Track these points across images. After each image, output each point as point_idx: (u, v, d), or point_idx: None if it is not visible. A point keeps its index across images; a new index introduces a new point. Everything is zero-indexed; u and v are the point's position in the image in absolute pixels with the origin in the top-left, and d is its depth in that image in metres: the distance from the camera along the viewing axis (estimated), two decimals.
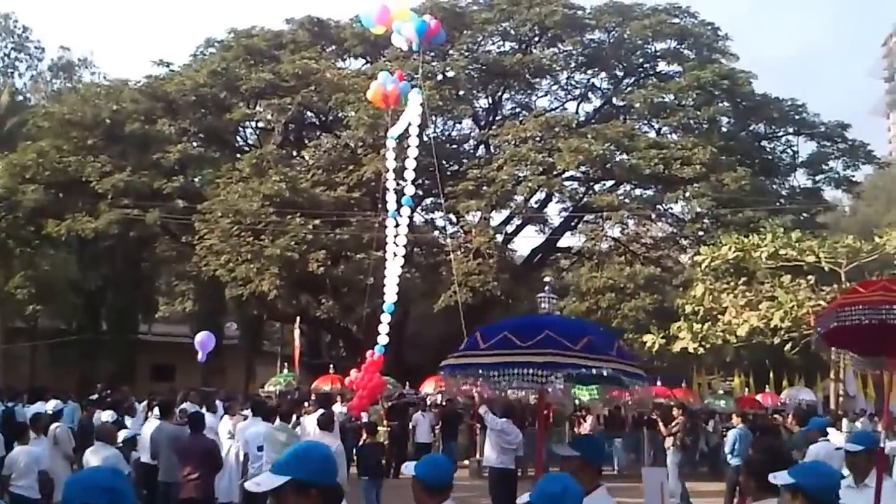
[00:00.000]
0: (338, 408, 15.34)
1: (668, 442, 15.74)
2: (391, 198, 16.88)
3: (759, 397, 23.24)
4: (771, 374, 27.88)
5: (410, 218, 18.11)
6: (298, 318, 23.75)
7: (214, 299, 30.85)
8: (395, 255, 16.70)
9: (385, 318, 16.77)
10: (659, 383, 22.51)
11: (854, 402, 25.97)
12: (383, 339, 16.63)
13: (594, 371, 4.89)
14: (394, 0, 16.03)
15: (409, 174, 16.83)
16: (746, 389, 28.25)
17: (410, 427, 18.93)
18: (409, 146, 16.82)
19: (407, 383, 22.64)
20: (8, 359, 31.75)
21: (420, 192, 24.29)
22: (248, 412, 12.13)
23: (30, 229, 28.11)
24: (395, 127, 16.93)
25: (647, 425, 20.60)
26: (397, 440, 18.49)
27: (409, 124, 16.62)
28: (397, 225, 16.72)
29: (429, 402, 21.92)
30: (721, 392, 27.09)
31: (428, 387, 21.93)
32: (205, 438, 9.66)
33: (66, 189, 27.86)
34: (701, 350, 19.59)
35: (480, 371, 4.99)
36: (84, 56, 51.15)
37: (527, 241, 33.33)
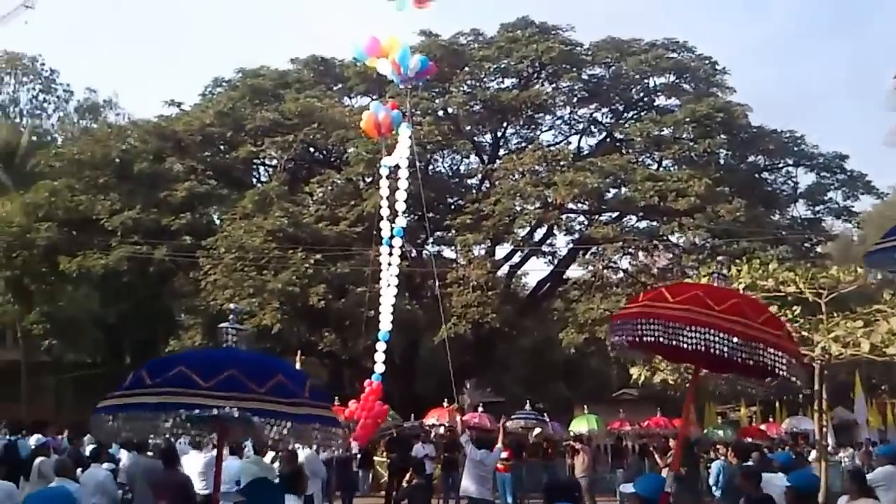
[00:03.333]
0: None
1: (665, 472, 15.65)
2: (385, 225, 17.32)
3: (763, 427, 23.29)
4: (777, 404, 27.96)
5: (402, 248, 18.46)
6: (300, 352, 24.20)
7: None
8: (389, 284, 17.06)
9: (380, 346, 16.97)
10: (658, 414, 22.82)
11: (859, 431, 25.95)
12: (380, 368, 16.80)
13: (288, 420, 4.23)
14: (385, 30, 16.58)
15: (401, 205, 17.26)
16: (752, 420, 28.37)
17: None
18: (399, 178, 17.28)
19: (413, 414, 22.81)
20: (33, 392, 32.64)
21: (425, 225, 24.72)
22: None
23: (45, 267, 28.89)
24: (389, 157, 17.42)
25: (650, 456, 20.69)
26: (397, 472, 18.62)
27: (400, 157, 17.03)
28: (391, 253, 17.10)
29: (433, 434, 22.12)
30: (721, 421, 27.23)
31: (432, 418, 22.18)
32: (178, 473, 9.66)
33: (78, 227, 28.71)
34: (680, 381, 19.65)
35: (145, 413, 4.24)
36: (109, 97, 52.67)
37: (538, 274, 33.63)
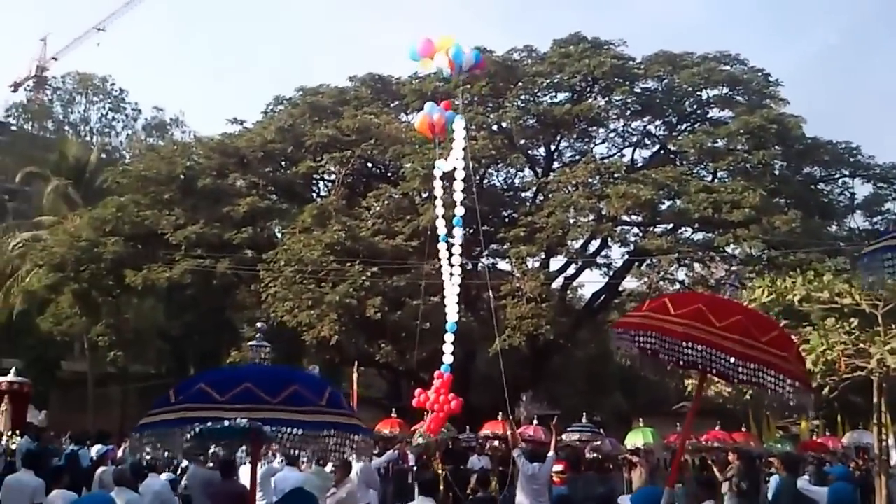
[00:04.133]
0: (389, 454, 15.28)
1: (725, 487, 15.29)
2: (440, 223, 17.16)
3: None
4: (839, 417, 27.55)
5: (462, 247, 17.98)
6: (357, 363, 24.69)
7: (293, 344, 32.21)
8: (452, 274, 16.69)
9: (448, 337, 16.40)
10: (718, 427, 22.65)
11: None
12: (448, 359, 16.27)
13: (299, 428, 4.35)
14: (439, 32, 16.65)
15: (459, 209, 16.97)
16: (814, 433, 27.97)
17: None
18: (454, 189, 17.12)
19: (468, 426, 22.93)
20: (99, 403, 33.83)
21: (480, 238, 25.03)
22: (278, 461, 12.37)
23: (111, 280, 29.89)
24: (444, 161, 17.13)
25: (709, 469, 20.51)
26: (452, 484, 18.65)
27: (456, 159, 16.67)
28: (450, 247, 16.84)
29: (487, 446, 22.21)
30: (781, 435, 26.91)
31: (488, 430, 22.30)
32: (236, 484, 9.73)
33: (143, 241, 29.65)
34: (735, 393, 19.60)
35: (175, 429, 4.39)
36: (176, 115, 54.50)
37: (593, 286, 33.75)
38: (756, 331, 4.72)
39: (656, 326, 4.80)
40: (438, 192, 17.32)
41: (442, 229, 17.01)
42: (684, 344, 4.63)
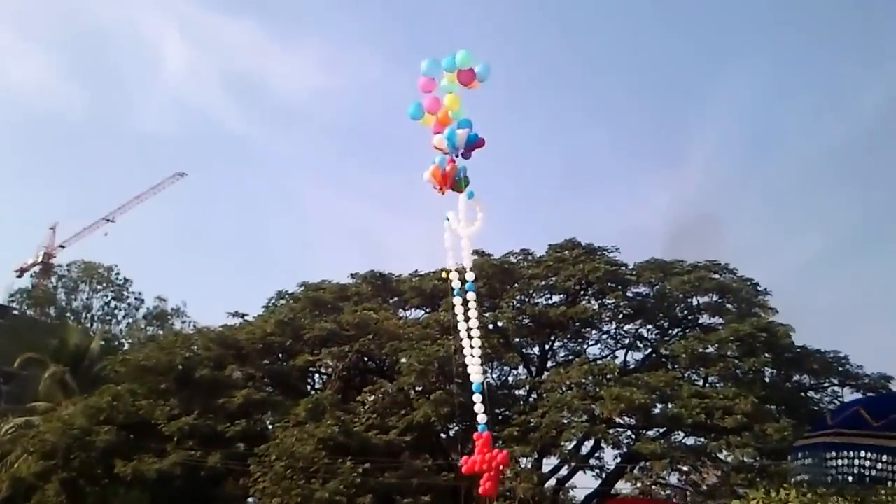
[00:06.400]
0: None
1: None
2: (454, 277, 14.46)
3: None
4: None
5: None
6: None
7: None
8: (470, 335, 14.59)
9: (477, 397, 14.38)
10: None
11: None
12: (482, 418, 14.18)
13: None
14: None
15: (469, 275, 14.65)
16: None
17: None
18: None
19: None
20: None
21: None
22: None
23: (100, 469, 29.52)
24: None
25: None
26: None
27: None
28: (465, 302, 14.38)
29: None
30: None
31: None
32: None
33: (136, 431, 29.55)
34: None
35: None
36: (177, 306, 55.50)
37: (586, 489, 33.18)
38: None
39: None
40: (447, 243, 14.28)
41: (456, 283, 14.27)
42: None
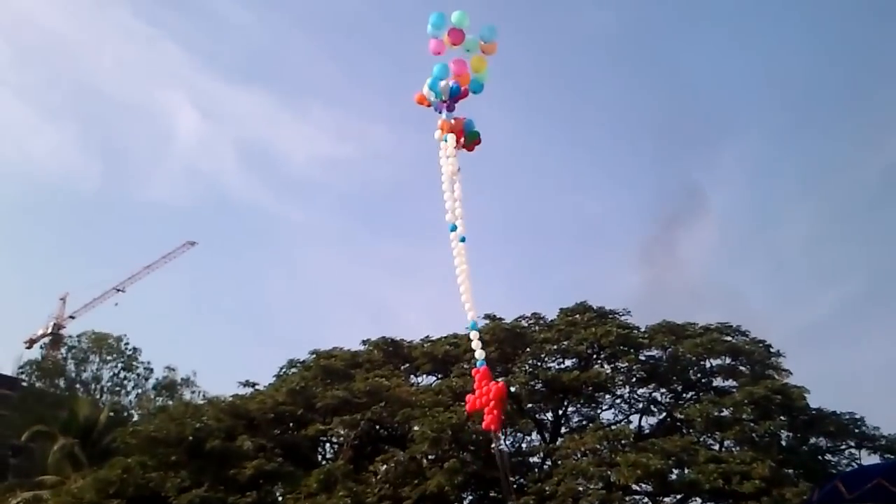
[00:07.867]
0: None
1: None
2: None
3: None
4: None
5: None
6: None
7: None
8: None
9: (474, 335, 12.46)
10: None
11: None
12: (480, 354, 13.09)
13: None
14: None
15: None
16: None
17: None
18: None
19: None
20: None
21: None
22: None
23: None
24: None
25: None
26: None
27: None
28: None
29: None
30: None
31: None
32: None
33: None
34: None
35: None
36: (187, 375, 55.23)
37: None
38: None
39: None
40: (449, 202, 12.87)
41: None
42: None
